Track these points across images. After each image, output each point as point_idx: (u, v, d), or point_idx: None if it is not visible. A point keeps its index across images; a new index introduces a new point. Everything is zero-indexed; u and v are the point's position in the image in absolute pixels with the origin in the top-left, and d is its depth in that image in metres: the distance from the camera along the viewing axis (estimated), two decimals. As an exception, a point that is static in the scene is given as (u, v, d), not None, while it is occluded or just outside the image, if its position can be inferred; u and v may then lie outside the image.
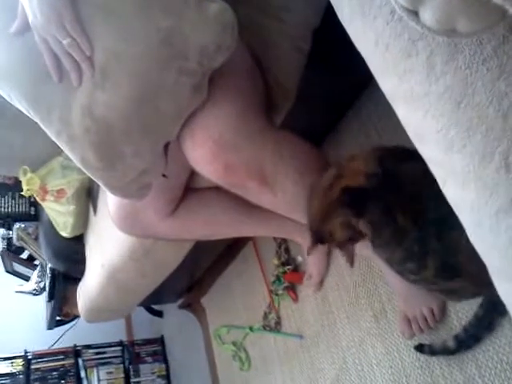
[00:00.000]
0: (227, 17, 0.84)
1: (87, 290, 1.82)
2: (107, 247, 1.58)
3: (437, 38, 0.47)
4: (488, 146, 0.47)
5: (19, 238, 2.08)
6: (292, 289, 1.72)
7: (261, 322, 1.88)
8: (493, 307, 0.98)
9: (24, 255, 2.33)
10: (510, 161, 0.46)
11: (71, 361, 2.82)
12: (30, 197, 1.84)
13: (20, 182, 1.69)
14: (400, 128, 0.60)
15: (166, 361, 3.03)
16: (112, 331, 2.97)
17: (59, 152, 1.56)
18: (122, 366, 2.91)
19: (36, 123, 0.89)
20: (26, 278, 2.36)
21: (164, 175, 0.98)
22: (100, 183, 0.93)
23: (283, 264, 1.73)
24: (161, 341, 3.10)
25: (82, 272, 1.87)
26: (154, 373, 2.96)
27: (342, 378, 1.46)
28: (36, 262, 2.30)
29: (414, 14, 0.45)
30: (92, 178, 0.92)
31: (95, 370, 2.83)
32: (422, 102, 0.51)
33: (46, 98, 0.85)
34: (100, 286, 1.71)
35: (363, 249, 0.97)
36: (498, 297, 0.58)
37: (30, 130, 1.04)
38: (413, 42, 0.50)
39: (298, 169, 0.94)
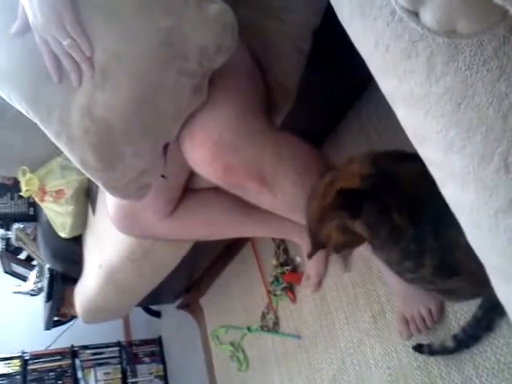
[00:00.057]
0: (227, 17, 0.84)
1: (85, 291, 1.82)
2: (106, 248, 1.58)
3: (437, 39, 0.47)
4: (488, 146, 0.47)
5: (18, 239, 2.08)
6: (290, 289, 1.73)
7: (259, 323, 1.88)
8: (492, 308, 0.98)
9: (22, 255, 2.32)
10: (510, 162, 0.46)
11: (68, 361, 2.81)
12: (28, 197, 1.84)
13: (19, 182, 1.69)
14: (400, 129, 0.60)
15: (163, 361, 3.02)
16: (110, 332, 2.97)
17: (58, 153, 1.54)
18: (119, 366, 2.90)
19: (35, 124, 0.89)
20: (24, 279, 2.36)
21: (163, 176, 0.98)
22: (99, 184, 0.93)
23: (282, 264, 1.73)
24: (158, 341, 3.10)
25: (80, 272, 1.87)
26: (151, 373, 2.96)
27: (339, 379, 1.47)
28: (34, 263, 2.30)
29: (415, 14, 0.45)
30: (91, 178, 0.92)
31: (92, 370, 2.82)
32: (422, 103, 0.51)
33: (46, 99, 0.85)
34: (98, 287, 1.70)
35: (363, 249, 0.98)
36: (496, 298, 0.58)
37: (30, 131, 1.04)
38: (413, 43, 0.50)
39: (297, 169, 0.94)
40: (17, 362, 2.74)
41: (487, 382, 1.02)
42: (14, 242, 2.09)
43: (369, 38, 0.56)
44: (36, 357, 2.79)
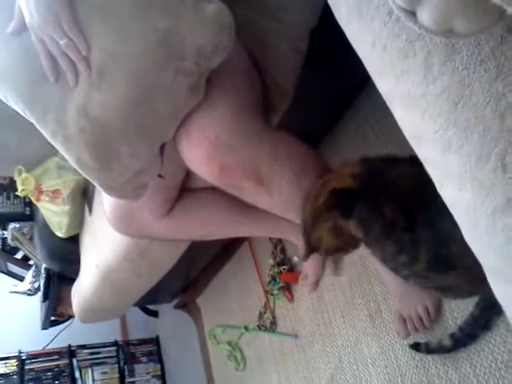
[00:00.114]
0: (224, 17, 0.84)
1: (82, 290, 1.82)
2: (102, 247, 1.58)
3: (434, 39, 0.47)
4: (485, 146, 0.47)
5: (14, 238, 2.07)
6: (287, 289, 1.73)
7: (256, 322, 1.88)
8: (489, 306, 0.98)
9: (19, 255, 2.31)
10: (507, 161, 0.46)
11: (66, 361, 2.80)
12: (25, 197, 1.84)
13: (15, 181, 1.69)
14: (397, 129, 0.60)
15: (161, 361, 3.02)
16: (107, 331, 2.96)
17: (55, 152, 1.55)
18: (116, 366, 2.90)
19: (32, 123, 0.88)
20: (21, 278, 2.35)
21: (160, 175, 0.98)
22: (95, 183, 0.92)
23: (279, 264, 1.73)
24: (156, 341, 3.10)
25: (76, 272, 1.86)
26: (148, 373, 2.96)
27: (337, 378, 1.47)
28: (31, 262, 2.29)
29: (412, 14, 0.45)
30: (87, 178, 0.92)
31: (90, 370, 2.82)
32: (419, 103, 0.52)
33: (42, 99, 0.85)
34: (95, 286, 1.70)
35: (359, 249, 0.98)
36: (494, 296, 0.58)
37: (26, 131, 1.03)
38: (410, 43, 0.50)
39: (293, 169, 0.94)
40: (14, 361, 2.74)
41: (484, 380, 1.03)
42: (10, 241, 2.08)
43: (366, 37, 0.56)
44: (33, 357, 2.79)
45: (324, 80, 1.23)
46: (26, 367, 2.74)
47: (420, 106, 0.52)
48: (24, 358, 2.76)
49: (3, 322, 2.90)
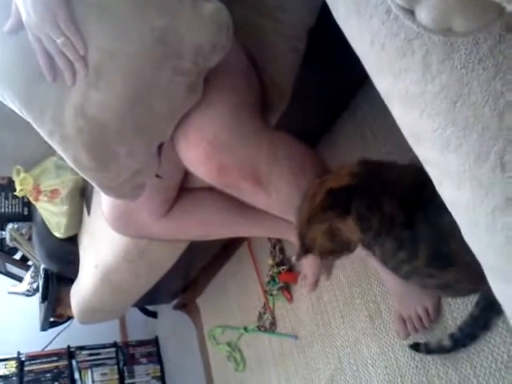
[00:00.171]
0: (222, 16, 0.84)
1: (81, 291, 1.81)
2: (101, 248, 1.58)
3: (433, 37, 0.47)
4: (484, 145, 0.47)
5: (12, 239, 2.07)
6: (287, 289, 1.72)
7: (255, 323, 1.88)
8: (488, 306, 0.98)
9: (17, 256, 2.31)
10: (506, 160, 0.46)
11: (65, 362, 2.80)
12: (23, 197, 1.83)
13: (13, 182, 1.68)
14: (395, 128, 0.60)
15: (160, 362, 3.02)
16: (106, 332, 2.96)
17: (53, 152, 1.55)
18: (116, 367, 2.89)
19: (29, 123, 0.88)
20: (19, 279, 2.35)
21: (158, 175, 0.98)
22: (93, 184, 0.92)
23: (278, 264, 1.73)
24: (155, 342, 3.09)
25: (75, 273, 1.86)
26: (148, 374, 2.95)
27: (337, 378, 1.46)
28: (29, 263, 2.29)
29: (410, 12, 0.45)
30: (85, 178, 0.91)
31: (89, 371, 2.81)
32: (417, 102, 0.51)
33: (39, 98, 0.84)
34: (94, 287, 1.70)
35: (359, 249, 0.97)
36: (493, 295, 0.58)
37: (24, 130, 1.03)
38: (408, 41, 0.50)
39: (292, 169, 0.93)
40: (13, 363, 2.73)
41: (484, 381, 1.02)
42: (8, 242, 2.08)
43: (364, 36, 0.55)
44: (32, 358, 2.78)
45: (322, 79, 1.23)
46: (26, 369, 2.73)
47: (418, 105, 0.51)
48: (23, 359, 2.75)
49: (2, 323, 2.89)
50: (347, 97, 1.45)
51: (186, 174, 1.15)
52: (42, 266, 2.03)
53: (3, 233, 2.07)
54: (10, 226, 2.05)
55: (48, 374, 2.75)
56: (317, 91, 1.26)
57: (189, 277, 2.29)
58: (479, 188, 0.49)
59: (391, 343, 1.27)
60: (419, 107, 0.51)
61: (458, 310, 1.10)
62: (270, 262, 1.75)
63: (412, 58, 0.50)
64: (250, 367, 1.96)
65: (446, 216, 0.57)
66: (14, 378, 2.68)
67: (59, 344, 2.81)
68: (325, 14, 0.66)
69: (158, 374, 2.96)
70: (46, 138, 0.87)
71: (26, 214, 2.02)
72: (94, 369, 2.83)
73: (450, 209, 0.56)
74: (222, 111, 0.88)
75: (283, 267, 1.71)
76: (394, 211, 0.81)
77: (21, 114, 0.88)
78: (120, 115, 0.82)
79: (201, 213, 1.23)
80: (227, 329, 2.12)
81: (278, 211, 1.01)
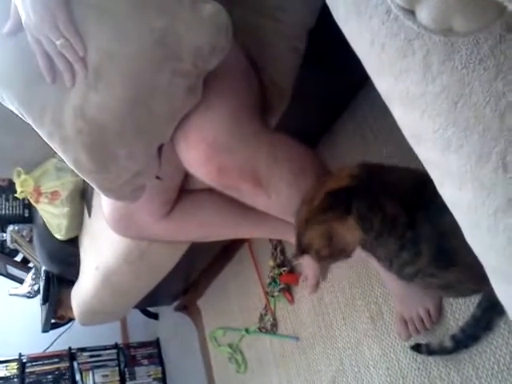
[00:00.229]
0: (221, 18, 0.84)
1: (82, 293, 1.81)
2: (102, 249, 1.58)
3: (433, 38, 0.47)
4: (485, 145, 0.47)
5: (13, 241, 2.07)
6: (288, 290, 1.72)
7: (257, 324, 1.87)
8: (491, 307, 0.97)
9: (18, 258, 2.31)
10: (508, 161, 0.46)
11: (66, 364, 2.80)
12: (23, 199, 1.84)
13: (14, 183, 1.68)
14: (396, 129, 0.60)
15: (161, 363, 3.02)
16: (107, 334, 2.96)
17: (53, 154, 1.54)
18: (117, 368, 2.89)
19: (29, 125, 0.88)
20: (20, 281, 2.35)
21: (158, 177, 0.98)
22: (93, 185, 0.92)
23: (279, 266, 1.72)
24: (156, 343, 3.09)
25: (76, 274, 1.86)
26: (149, 375, 2.95)
27: (338, 380, 1.46)
28: (30, 265, 2.29)
29: (411, 13, 0.45)
30: (85, 179, 0.91)
31: (90, 373, 2.82)
32: (418, 102, 0.51)
33: (39, 99, 0.84)
34: (95, 289, 1.70)
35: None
36: (495, 296, 0.57)
37: (24, 132, 1.03)
38: (409, 42, 0.49)
39: (292, 170, 0.93)
40: (14, 365, 2.73)
41: (487, 382, 1.02)
42: (9, 243, 2.08)
43: (364, 36, 0.55)
44: (34, 360, 2.78)
45: (322, 79, 1.23)
46: (27, 370, 2.73)
47: (419, 106, 0.51)
48: (24, 361, 2.76)
49: (3, 324, 2.89)
50: (347, 97, 1.44)
51: (186, 176, 1.15)
52: (43, 268, 2.03)
53: (4, 235, 2.07)
54: (10, 227, 2.05)
55: (49, 376, 2.75)
56: (317, 92, 1.25)
57: (190, 278, 2.29)
58: (481, 189, 0.48)
59: (393, 345, 1.27)
60: (420, 108, 0.51)
61: (460, 311, 1.09)
62: (271, 263, 1.75)
63: (412, 58, 0.50)
64: (252, 369, 1.96)
65: (447, 216, 0.57)
66: (16, 380, 2.68)
67: (60, 346, 2.81)
68: (325, 15, 0.66)
69: (159, 375, 2.97)
70: (46, 140, 0.87)
71: (27, 215, 2.02)
72: (95, 370, 2.83)
73: (451, 210, 0.56)
74: (221, 113, 0.88)
75: (284, 268, 1.71)
76: (396, 211, 0.80)
77: (20, 116, 0.88)
78: (119, 117, 0.82)
79: (201, 214, 1.23)
80: (228, 330, 2.11)
81: (279, 212, 1.01)
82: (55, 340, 2.76)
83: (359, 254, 0.91)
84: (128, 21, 0.79)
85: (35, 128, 0.87)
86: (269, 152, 0.90)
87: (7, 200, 1.97)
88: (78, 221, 1.76)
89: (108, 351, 2.94)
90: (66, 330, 2.61)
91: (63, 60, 0.80)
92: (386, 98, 0.58)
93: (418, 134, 0.55)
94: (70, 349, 2.84)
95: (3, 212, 1.97)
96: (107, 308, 1.84)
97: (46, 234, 1.79)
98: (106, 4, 0.79)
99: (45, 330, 2.35)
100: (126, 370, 2.91)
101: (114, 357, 2.93)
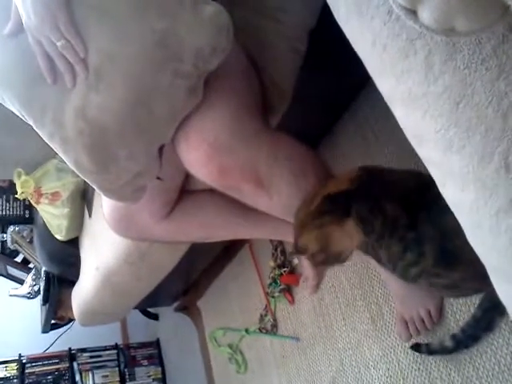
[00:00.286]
0: (222, 19, 0.84)
1: (82, 293, 1.81)
2: (102, 250, 1.58)
3: (435, 38, 0.47)
4: (487, 146, 0.46)
5: (13, 241, 2.07)
6: (288, 291, 1.72)
7: (257, 325, 1.87)
8: (492, 307, 0.97)
9: (18, 258, 2.31)
10: (510, 161, 0.46)
11: (66, 364, 2.80)
12: (24, 199, 1.84)
13: (14, 184, 1.68)
14: (397, 130, 0.60)
15: (161, 364, 3.02)
16: (107, 334, 2.96)
17: (54, 154, 1.55)
18: (117, 369, 2.89)
19: (30, 126, 0.88)
20: (21, 282, 2.35)
21: (159, 178, 0.98)
22: (94, 186, 0.92)
23: (279, 266, 1.73)
24: (156, 344, 3.09)
25: (76, 275, 1.86)
26: (149, 376, 2.95)
27: (338, 381, 1.46)
28: (30, 265, 2.29)
29: (413, 13, 0.45)
30: (86, 180, 0.91)
31: (90, 373, 2.82)
32: (420, 103, 0.51)
33: (40, 100, 0.84)
34: (95, 289, 1.70)
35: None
36: (497, 296, 0.57)
37: (24, 133, 1.03)
38: (411, 42, 0.49)
39: (293, 171, 0.93)
40: (14, 365, 2.73)
41: (487, 383, 1.02)
42: (9, 244, 2.08)
43: (366, 37, 0.55)
44: (33, 360, 2.78)
45: (323, 80, 1.23)
46: (27, 371, 2.73)
47: (421, 106, 0.51)
48: (24, 361, 2.76)
49: (3, 325, 2.89)
50: (349, 98, 1.44)
51: (187, 176, 1.15)
52: (43, 269, 2.03)
53: (4, 235, 2.07)
54: (11, 228, 2.05)
55: (49, 377, 2.75)
56: (318, 92, 1.25)
57: (190, 279, 2.29)
58: (483, 189, 0.48)
59: (393, 345, 1.27)
60: (422, 108, 0.51)
61: (461, 311, 1.09)
62: (272, 263, 1.75)
63: (414, 58, 0.50)
64: (252, 369, 1.96)
65: (448, 214, 0.57)
66: (15, 381, 2.69)
67: (60, 346, 2.81)
68: (326, 15, 0.66)
69: (159, 376, 2.97)
70: (47, 141, 0.87)
71: (27, 216, 2.02)
72: (95, 371, 2.83)
73: (453, 210, 0.56)
74: (222, 113, 0.88)
75: (285, 269, 1.71)
76: (397, 213, 0.80)
77: (21, 117, 0.88)
78: (120, 118, 0.81)
79: (202, 215, 1.23)
80: (228, 331, 2.11)
81: (280, 213, 1.01)
82: (55, 340, 2.76)
83: (360, 255, 0.92)
84: (129, 22, 0.79)
85: (36, 129, 0.87)
86: (270, 152, 0.90)
87: (8, 201, 1.97)
88: (78, 221, 1.76)
89: (108, 352, 2.94)
90: (66, 330, 2.62)
91: (64, 61, 0.80)
92: (388, 98, 0.58)
93: (419, 134, 0.54)
94: (69, 349, 2.84)
95: (4, 213, 1.97)
96: (107, 309, 1.84)
97: (47, 234, 1.79)
98: (106, 5, 0.79)
99: (45, 331, 2.35)
100: (125, 370, 2.91)
101: (114, 357, 2.93)
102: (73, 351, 2.85)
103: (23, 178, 1.64)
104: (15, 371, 2.71)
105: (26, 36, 0.81)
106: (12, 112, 0.89)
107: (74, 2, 0.78)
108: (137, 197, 0.97)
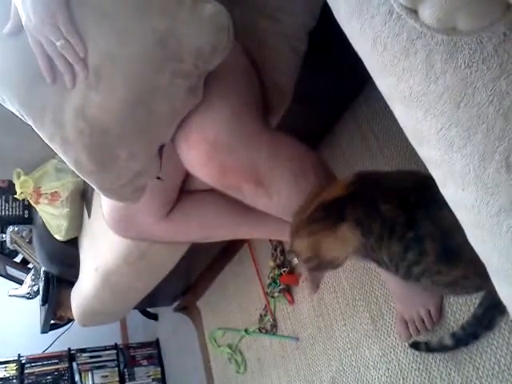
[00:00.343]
0: (222, 18, 0.83)
1: (81, 294, 1.81)
2: (101, 250, 1.57)
3: (436, 37, 0.46)
4: (488, 145, 0.46)
5: (13, 241, 2.06)
6: (288, 291, 1.72)
7: (256, 325, 1.87)
8: (493, 306, 0.97)
9: (18, 259, 2.31)
10: (511, 161, 0.45)
11: (65, 365, 2.79)
12: (23, 200, 1.83)
13: (13, 184, 1.68)
14: (396, 129, 0.60)
15: (161, 364, 3.01)
16: (107, 334, 2.95)
17: (53, 155, 1.55)
18: (116, 369, 2.88)
19: (29, 126, 0.88)
20: (20, 282, 2.34)
21: (159, 177, 0.97)
22: (94, 186, 0.92)
23: (279, 266, 1.72)
24: (156, 344, 3.09)
25: (76, 275, 1.86)
26: (149, 376, 2.95)
27: (338, 381, 1.46)
28: (30, 266, 2.28)
29: (414, 12, 0.44)
30: (86, 180, 0.91)
31: (90, 373, 2.81)
32: (421, 102, 0.51)
33: (39, 100, 0.84)
34: (94, 290, 1.69)
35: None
36: (497, 295, 0.57)
37: (24, 133, 1.03)
38: (411, 41, 0.49)
39: (293, 171, 0.93)
40: (13, 365, 2.72)
41: (487, 382, 1.02)
42: (9, 244, 2.08)
43: (366, 36, 0.55)
44: (33, 360, 2.77)
45: (323, 80, 1.23)
46: (26, 371, 2.72)
47: (422, 105, 0.51)
48: (24, 361, 2.75)
49: (2, 325, 2.89)
50: (349, 97, 1.44)
51: (187, 176, 1.15)
52: (43, 269, 2.03)
53: (4, 235, 2.07)
54: (10, 228, 2.04)
55: (48, 377, 2.74)
56: (318, 92, 1.25)
57: (189, 279, 2.29)
58: (484, 189, 0.48)
59: (393, 345, 1.27)
60: (423, 107, 0.51)
61: (461, 311, 1.09)
62: (271, 263, 1.75)
63: (415, 57, 0.49)
64: (251, 369, 1.96)
65: (445, 209, 0.57)
66: (15, 381, 2.68)
67: (60, 346, 2.81)
68: (326, 15, 0.66)
69: (159, 376, 2.96)
70: (46, 141, 0.87)
71: (27, 216, 2.01)
72: (94, 371, 2.82)
73: (453, 210, 0.56)
74: (222, 112, 0.88)
75: (284, 269, 1.71)
76: (394, 213, 0.80)
77: (21, 117, 0.88)
78: (120, 117, 0.81)
79: (202, 214, 1.23)
80: (228, 331, 2.11)
81: (279, 213, 1.01)
82: (54, 341, 2.76)
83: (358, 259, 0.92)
84: (129, 22, 0.79)
85: (35, 129, 0.87)
86: (270, 152, 0.90)
87: (7, 201, 1.96)
88: (77, 222, 1.76)
89: (107, 352, 2.93)
90: (66, 330, 2.61)
91: (63, 61, 0.80)
92: (388, 97, 0.58)
93: (420, 133, 0.54)
94: (69, 349, 2.83)
95: (3, 213, 1.97)
96: (107, 309, 1.84)
97: (46, 234, 1.79)
98: (106, 5, 0.79)
99: (44, 331, 2.34)
100: (125, 370, 2.91)
101: (114, 357, 2.92)
102: (72, 351, 2.84)
103: (22, 178, 1.63)
104: (14, 371, 2.70)
105: (26, 36, 0.81)
106: (11, 112, 0.89)
107: (74, 2, 0.78)
108: (136, 197, 0.96)
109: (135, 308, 2.26)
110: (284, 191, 0.92)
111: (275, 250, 1.75)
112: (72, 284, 1.90)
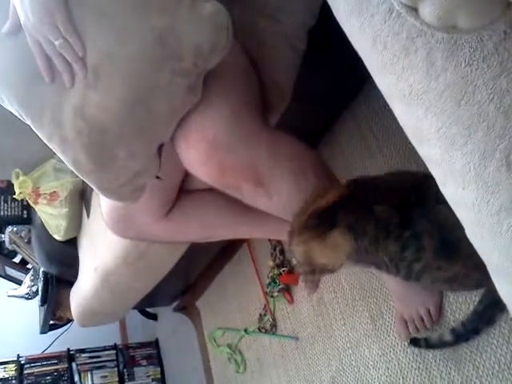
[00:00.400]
0: (221, 17, 0.83)
1: (80, 294, 1.80)
2: (101, 250, 1.57)
3: (436, 35, 0.46)
4: (489, 143, 0.46)
5: (11, 242, 2.06)
6: (287, 290, 1.72)
7: (256, 324, 1.87)
8: (493, 303, 0.97)
9: (16, 259, 2.30)
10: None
11: (65, 365, 2.79)
12: (22, 200, 1.83)
13: (12, 185, 1.68)
14: (396, 128, 0.60)
15: (160, 364, 3.01)
16: (106, 335, 2.95)
17: (52, 154, 1.54)
18: (116, 369, 2.88)
19: (28, 126, 0.87)
20: (19, 282, 2.34)
21: (158, 177, 0.97)
22: (93, 186, 0.91)
23: (278, 266, 1.72)
24: (155, 344, 3.08)
25: (75, 275, 1.85)
26: (148, 376, 2.95)
27: (338, 380, 1.46)
28: (29, 266, 2.28)
29: (414, 10, 0.44)
30: (85, 180, 0.91)
31: (89, 374, 2.81)
32: (421, 100, 0.51)
33: (38, 100, 0.84)
34: (93, 290, 1.69)
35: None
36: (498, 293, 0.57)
37: (23, 133, 1.02)
38: (412, 39, 0.49)
39: (293, 170, 0.93)
40: (13, 366, 2.72)
41: (487, 382, 1.02)
42: (7, 245, 2.07)
43: (366, 35, 0.55)
44: (32, 361, 2.77)
45: (323, 78, 1.23)
46: (25, 371, 2.72)
47: (422, 104, 0.51)
48: (23, 362, 2.75)
49: (1, 326, 2.89)
50: (348, 96, 1.44)
51: (186, 176, 1.15)
52: (42, 269, 2.02)
53: (2, 236, 2.06)
54: (9, 228, 2.04)
55: (48, 377, 2.74)
56: (317, 91, 1.25)
57: (189, 279, 2.29)
58: (484, 188, 0.48)
59: (393, 344, 1.27)
60: (423, 106, 0.51)
61: (460, 310, 1.09)
62: (271, 263, 1.75)
63: (415, 56, 0.49)
64: (251, 369, 1.96)
65: (444, 204, 0.57)
66: (14, 381, 2.68)
67: (59, 347, 2.81)
68: (325, 13, 0.65)
69: (158, 376, 2.96)
70: (45, 141, 0.86)
71: (26, 216, 2.01)
72: (94, 371, 2.82)
73: (453, 209, 0.56)
74: (221, 111, 0.87)
75: (284, 269, 1.71)
76: (388, 214, 0.80)
77: (19, 117, 0.87)
78: (119, 116, 0.81)
79: (201, 214, 1.23)
80: (228, 331, 2.11)
81: (279, 212, 1.01)
82: (54, 341, 2.76)
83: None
84: (128, 21, 0.79)
85: (34, 129, 0.87)
86: (269, 151, 0.90)
87: (6, 201, 1.96)
88: (76, 222, 1.76)
89: (107, 352, 2.93)
90: (65, 331, 2.61)
91: (62, 60, 0.80)
92: (388, 96, 0.58)
93: (420, 132, 0.54)
94: (68, 350, 2.83)
95: (2, 213, 1.96)
96: (106, 309, 1.83)
97: (45, 234, 1.78)
98: (105, 4, 0.79)
99: (43, 331, 2.34)
100: (124, 370, 2.91)
101: (113, 357, 2.92)
102: (71, 352, 2.84)
103: (21, 178, 1.63)
104: (14, 372, 2.70)
105: (25, 35, 0.81)
106: (10, 112, 0.89)
107: (72, 1, 0.78)
108: (136, 196, 0.96)
109: (134, 308, 2.25)
110: (284, 191, 0.92)
111: (274, 249, 1.75)
112: (71, 284, 1.90)
